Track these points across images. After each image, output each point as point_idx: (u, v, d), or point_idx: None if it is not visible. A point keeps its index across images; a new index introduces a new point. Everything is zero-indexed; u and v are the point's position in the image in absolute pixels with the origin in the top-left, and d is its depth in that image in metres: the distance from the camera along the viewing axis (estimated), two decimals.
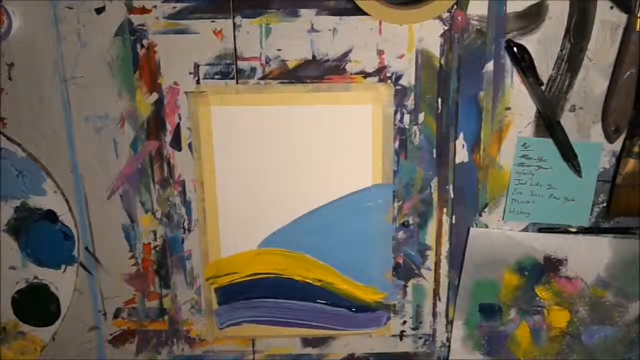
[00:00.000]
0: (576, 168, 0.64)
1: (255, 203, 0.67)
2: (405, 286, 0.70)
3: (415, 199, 0.67)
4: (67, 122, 0.65)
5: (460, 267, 0.69)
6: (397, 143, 0.65)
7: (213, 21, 0.62)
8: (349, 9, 0.61)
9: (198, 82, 0.64)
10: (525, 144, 0.65)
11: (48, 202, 0.68)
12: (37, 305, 0.72)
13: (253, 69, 0.63)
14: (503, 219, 0.68)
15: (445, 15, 0.61)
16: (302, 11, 0.61)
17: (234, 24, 0.62)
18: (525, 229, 0.68)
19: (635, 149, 0.64)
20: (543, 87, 0.62)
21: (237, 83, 0.64)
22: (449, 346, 0.72)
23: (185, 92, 0.64)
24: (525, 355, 0.72)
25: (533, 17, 0.61)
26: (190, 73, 0.63)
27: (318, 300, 0.71)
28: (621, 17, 0.60)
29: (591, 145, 0.65)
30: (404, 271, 0.69)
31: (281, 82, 0.64)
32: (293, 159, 0.66)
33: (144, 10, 0.62)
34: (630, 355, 0.72)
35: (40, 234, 0.69)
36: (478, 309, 0.70)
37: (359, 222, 0.68)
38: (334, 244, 0.68)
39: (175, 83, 0.64)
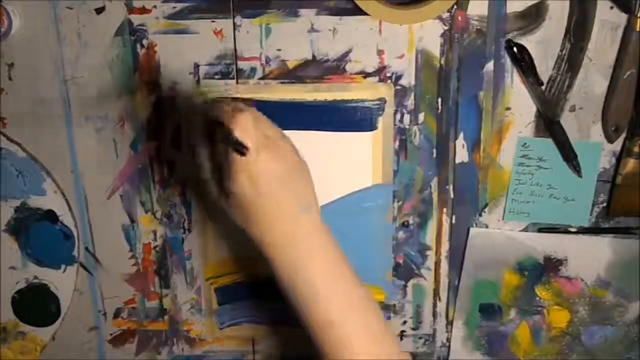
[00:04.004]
0: (576, 168, 0.64)
1: None
2: (405, 286, 0.70)
3: (415, 199, 0.67)
4: (67, 122, 0.65)
5: (460, 267, 0.69)
6: (397, 143, 0.65)
7: (213, 21, 0.62)
8: (349, 9, 0.61)
9: (198, 82, 0.64)
10: (525, 144, 0.65)
11: (48, 202, 0.68)
12: (37, 305, 0.72)
13: (253, 69, 0.63)
14: (503, 219, 0.68)
15: (445, 15, 0.61)
16: (302, 11, 0.61)
17: (234, 24, 0.62)
18: (525, 229, 0.68)
19: (635, 149, 0.64)
20: (543, 87, 0.62)
21: (237, 83, 0.64)
22: (449, 346, 0.72)
23: (185, 92, 0.64)
24: (525, 355, 0.72)
25: (533, 17, 0.61)
26: (190, 73, 0.63)
27: None
28: (621, 17, 0.60)
29: (591, 145, 0.65)
30: (404, 271, 0.69)
31: (281, 82, 0.64)
32: None
33: (144, 10, 0.62)
34: (630, 355, 0.72)
35: (40, 234, 0.69)
36: (478, 309, 0.70)
37: (359, 222, 0.68)
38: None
39: (175, 83, 0.64)
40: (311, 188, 0.53)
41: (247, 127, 0.48)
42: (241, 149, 0.48)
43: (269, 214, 0.50)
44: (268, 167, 0.49)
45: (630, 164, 0.64)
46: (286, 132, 0.64)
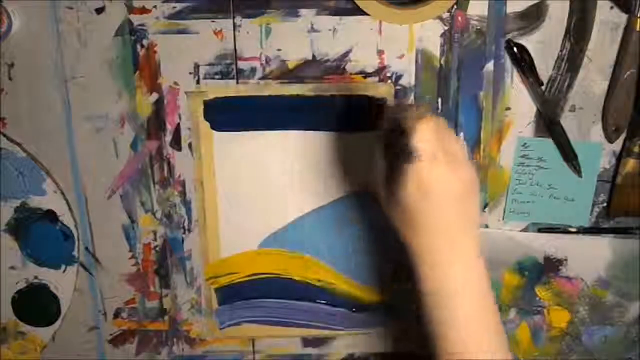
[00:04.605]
0: (576, 168, 0.64)
1: (255, 203, 0.67)
2: None
3: None
4: (67, 122, 0.65)
5: None
6: None
7: (213, 21, 0.62)
8: (349, 9, 0.61)
9: (198, 82, 0.64)
10: (525, 144, 0.65)
11: (48, 202, 0.68)
12: (37, 305, 0.72)
13: (253, 69, 0.63)
14: (503, 219, 0.68)
15: (445, 15, 0.61)
16: (302, 11, 0.61)
17: (234, 24, 0.62)
18: (525, 229, 0.68)
19: (635, 149, 0.64)
20: (543, 87, 0.62)
21: (237, 83, 0.64)
22: None
23: (185, 92, 0.64)
24: (525, 355, 0.72)
25: (533, 17, 0.61)
26: (190, 73, 0.63)
27: (318, 300, 0.71)
28: (621, 17, 0.60)
29: (591, 145, 0.65)
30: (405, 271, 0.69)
31: (281, 82, 0.64)
32: (293, 159, 0.66)
33: (144, 10, 0.62)
34: (630, 355, 0.72)
35: (40, 234, 0.69)
36: None
37: (359, 222, 0.68)
38: (333, 243, 0.68)
39: (175, 83, 0.64)
40: (478, 212, 0.52)
41: (425, 135, 0.47)
42: (412, 155, 0.47)
43: (432, 229, 0.49)
44: (443, 181, 0.48)
45: (630, 164, 0.64)
46: (285, 132, 0.65)
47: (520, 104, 0.64)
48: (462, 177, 0.49)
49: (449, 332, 0.50)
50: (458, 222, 0.49)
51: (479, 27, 0.61)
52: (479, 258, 0.50)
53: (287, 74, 0.63)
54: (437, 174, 0.48)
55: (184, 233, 0.69)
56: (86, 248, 0.70)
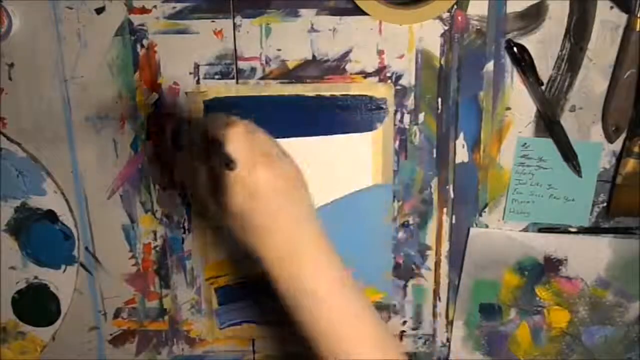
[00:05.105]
0: (576, 168, 0.64)
1: None
2: (405, 286, 0.70)
3: (415, 199, 0.67)
4: (67, 122, 0.65)
5: (460, 267, 0.69)
6: (397, 143, 0.65)
7: (213, 21, 0.62)
8: (349, 9, 0.61)
9: (198, 82, 0.64)
10: (525, 144, 0.65)
11: (48, 202, 0.68)
12: (37, 305, 0.72)
13: (253, 69, 0.63)
14: (503, 219, 0.68)
15: (445, 15, 0.61)
16: (302, 11, 0.61)
17: (234, 24, 0.62)
18: (525, 229, 0.68)
19: (635, 149, 0.64)
20: (543, 87, 0.62)
21: (237, 83, 0.64)
22: (449, 346, 0.72)
23: (185, 92, 0.64)
24: (525, 355, 0.72)
25: (533, 17, 0.61)
26: (190, 73, 0.63)
27: None
28: (621, 17, 0.60)
29: (591, 145, 0.65)
30: (404, 271, 0.69)
31: (281, 82, 0.64)
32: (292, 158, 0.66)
33: (144, 10, 0.62)
34: (630, 355, 0.72)
35: (40, 234, 0.69)
36: (478, 309, 0.70)
37: (359, 222, 0.68)
38: (334, 243, 0.68)
39: (175, 83, 0.64)
40: (309, 199, 0.52)
41: (237, 142, 0.47)
42: (230, 164, 0.47)
43: (267, 229, 0.49)
44: (267, 183, 0.48)
45: (630, 164, 0.64)
46: (285, 132, 0.65)
47: (520, 104, 0.64)
48: (283, 173, 0.50)
49: (315, 333, 0.49)
50: (290, 218, 0.50)
51: (479, 27, 0.61)
52: (327, 250, 0.51)
53: (287, 74, 0.63)
54: (259, 174, 0.48)
55: (184, 233, 0.69)
56: (86, 248, 0.70)
